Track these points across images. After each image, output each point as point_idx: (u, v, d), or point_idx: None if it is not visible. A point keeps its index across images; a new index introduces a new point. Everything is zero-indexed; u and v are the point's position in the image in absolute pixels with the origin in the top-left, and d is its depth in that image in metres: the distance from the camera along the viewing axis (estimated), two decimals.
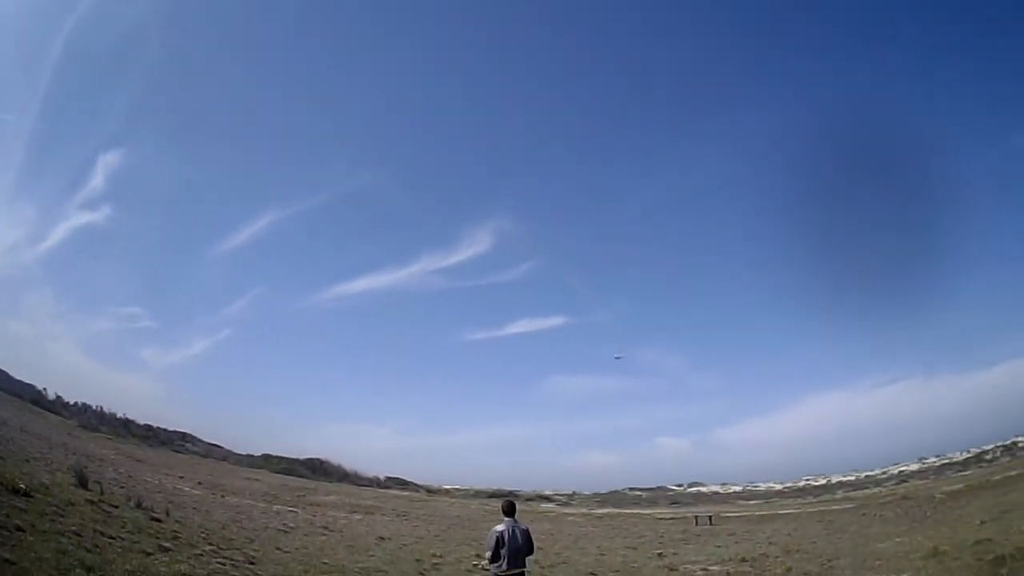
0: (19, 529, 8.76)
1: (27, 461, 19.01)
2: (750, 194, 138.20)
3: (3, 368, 70.38)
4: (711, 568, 17.54)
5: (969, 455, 73.55)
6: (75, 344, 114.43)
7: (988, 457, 70.10)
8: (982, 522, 18.08)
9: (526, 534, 10.50)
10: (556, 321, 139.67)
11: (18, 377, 71.50)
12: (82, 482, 16.62)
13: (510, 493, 70.28)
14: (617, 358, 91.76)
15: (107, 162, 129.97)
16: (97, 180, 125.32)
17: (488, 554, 10.41)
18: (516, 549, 10.18)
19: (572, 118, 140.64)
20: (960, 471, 63.98)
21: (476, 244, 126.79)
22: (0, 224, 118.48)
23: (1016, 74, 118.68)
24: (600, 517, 53.44)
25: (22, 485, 11.69)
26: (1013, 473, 38.59)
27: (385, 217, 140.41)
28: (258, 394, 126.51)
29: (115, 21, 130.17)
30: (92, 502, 13.76)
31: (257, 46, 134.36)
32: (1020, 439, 71.43)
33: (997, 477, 38.98)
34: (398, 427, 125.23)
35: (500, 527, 10.32)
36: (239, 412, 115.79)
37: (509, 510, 10.74)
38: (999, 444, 72.34)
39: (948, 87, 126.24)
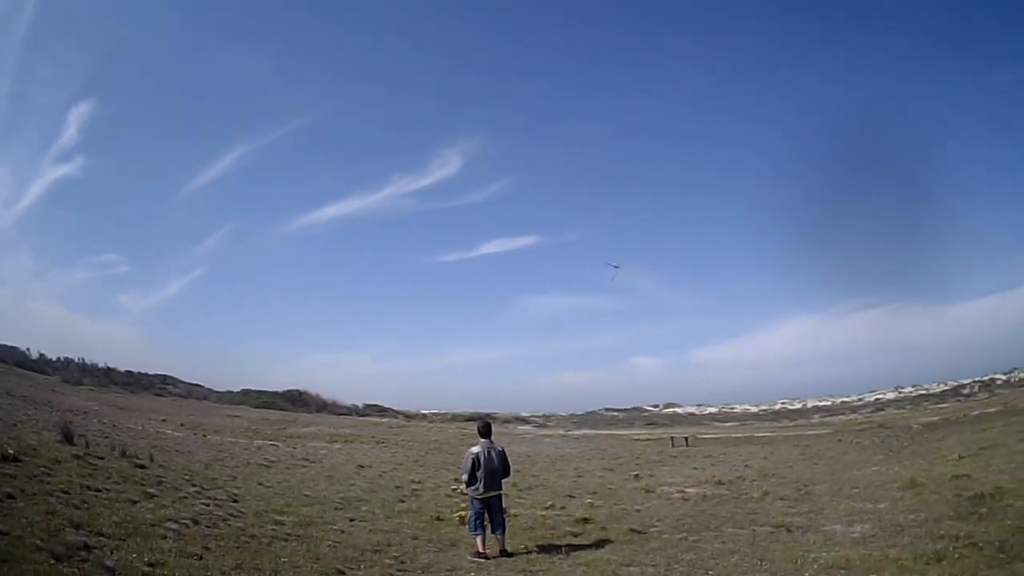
0: (10, 497, 8.73)
1: (14, 425, 19.00)
2: (732, 113, 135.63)
3: None
4: (688, 490, 17.85)
5: (946, 388, 75.47)
6: (56, 299, 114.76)
7: (965, 391, 72.11)
8: (960, 457, 18.40)
9: (502, 456, 10.74)
10: (528, 240, 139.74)
11: (0, 342, 72.94)
12: (67, 438, 16.73)
13: (487, 415, 71.13)
14: (614, 267, 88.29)
15: (79, 113, 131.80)
16: (70, 132, 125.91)
17: (464, 476, 10.66)
18: (492, 471, 10.41)
19: (544, 35, 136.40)
20: (937, 403, 65.71)
21: (447, 165, 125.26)
22: None
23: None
24: (577, 438, 54.82)
25: (10, 451, 11.73)
26: (991, 410, 39.43)
27: (352, 144, 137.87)
28: (235, 330, 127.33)
29: None
30: (78, 456, 13.91)
31: None
32: (998, 376, 73.32)
33: (975, 412, 40.03)
34: (375, 353, 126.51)
35: (476, 449, 10.56)
36: (218, 350, 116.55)
37: (485, 431, 10.97)
38: (977, 379, 74.13)
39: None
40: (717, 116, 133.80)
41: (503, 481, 10.80)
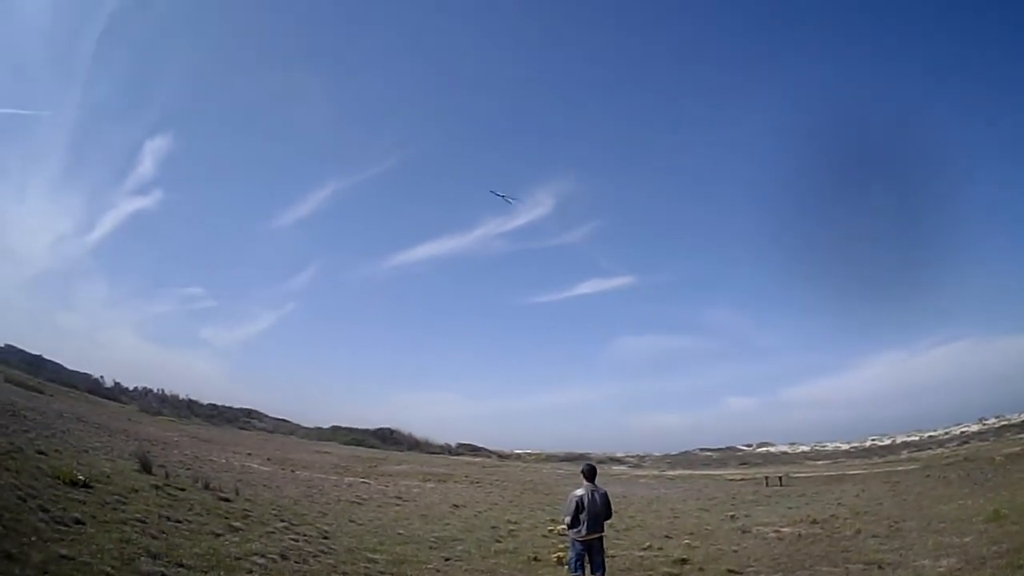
0: (78, 522, 8.76)
1: (85, 452, 18.92)
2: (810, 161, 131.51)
3: (56, 360, 71.89)
4: (783, 530, 17.52)
5: None
6: (133, 329, 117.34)
7: None
8: None
9: (605, 498, 10.60)
10: (623, 281, 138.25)
11: (72, 368, 72.59)
12: (145, 467, 16.71)
13: (581, 456, 70.51)
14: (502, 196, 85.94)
15: (155, 147, 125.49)
16: (146, 165, 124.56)
17: (567, 519, 10.56)
18: (595, 514, 10.29)
19: (631, 77, 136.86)
20: (1018, 433, 61.88)
21: (538, 206, 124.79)
22: (46, 217, 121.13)
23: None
24: (672, 479, 53.48)
25: (80, 476, 11.75)
26: None
27: (445, 184, 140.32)
28: (324, 367, 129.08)
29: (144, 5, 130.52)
30: (157, 487, 13.91)
31: (304, 19, 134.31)
32: None
33: None
34: (466, 393, 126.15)
35: (579, 491, 10.45)
36: (306, 386, 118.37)
37: (590, 475, 10.80)
38: None
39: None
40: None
41: (605, 522, 10.79)
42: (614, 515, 11.45)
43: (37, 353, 70.08)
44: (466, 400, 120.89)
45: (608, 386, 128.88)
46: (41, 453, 14.46)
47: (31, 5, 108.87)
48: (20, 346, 69.52)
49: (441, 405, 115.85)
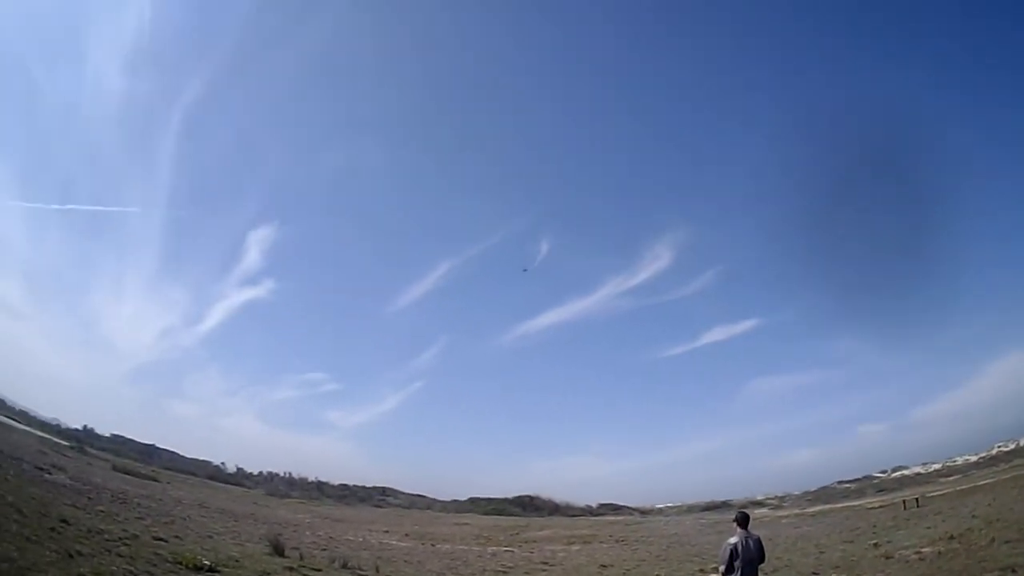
0: None
1: (209, 537, 19.06)
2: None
3: (171, 449, 74.69)
4: (923, 550, 17.55)
5: None
6: (255, 416, 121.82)
7: None
8: None
9: (758, 544, 10.56)
10: (747, 325, 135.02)
11: (189, 455, 74.99)
12: (277, 550, 16.71)
13: (723, 504, 69.04)
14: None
15: (259, 238, 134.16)
16: (252, 257, 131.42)
17: (722, 568, 10.47)
18: (750, 560, 10.28)
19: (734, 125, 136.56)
20: None
21: (657, 259, 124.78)
22: (147, 311, 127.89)
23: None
24: (813, 515, 51.72)
25: (206, 561, 11.95)
26: None
27: (564, 248, 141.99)
28: (457, 440, 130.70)
29: (229, 99, 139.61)
30: (291, 569, 14.18)
31: (403, 98, 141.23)
32: None
33: None
34: (603, 453, 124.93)
35: (733, 539, 10.40)
36: (439, 460, 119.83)
37: (743, 521, 10.73)
38: None
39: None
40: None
41: (759, 567, 10.67)
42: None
43: (149, 442, 73.53)
44: (604, 460, 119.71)
45: (742, 431, 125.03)
46: (159, 539, 14.66)
47: (110, 105, 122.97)
48: (129, 436, 72.87)
49: (579, 467, 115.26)
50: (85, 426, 69.78)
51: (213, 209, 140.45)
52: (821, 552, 23.16)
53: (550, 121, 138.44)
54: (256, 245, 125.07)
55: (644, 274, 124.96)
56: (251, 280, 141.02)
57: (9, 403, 61.96)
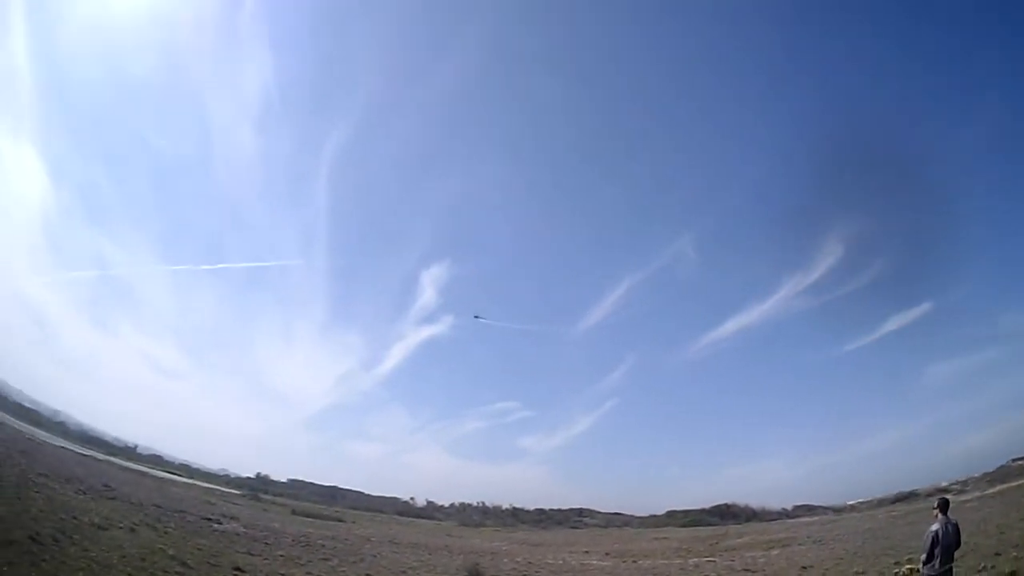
0: None
1: (403, 572, 19.51)
2: None
3: (355, 489, 76.71)
4: None
5: None
6: (443, 449, 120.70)
7: None
8: None
9: (956, 529, 10.99)
10: (923, 309, 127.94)
11: (375, 494, 76.86)
12: None
13: (911, 495, 67.55)
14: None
15: (433, 276, 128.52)
16: (428, 295, 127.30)
17: (923, 556, 11.10)
18: (948, 546, 10.78)
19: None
20: None
21: (829, 255, 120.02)
22: (322, 359, 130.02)
23: None
24: (993, 496, 50.87)
25: None
26: None
27: (740, 254, 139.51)
28: (652, 455, 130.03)
29: (376, 141, 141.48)
30: None
31: (565, 127, 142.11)
32: None
33: None
34: (793, 455, 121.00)
35: (935, 526, 10.91)
36: (634, 477, 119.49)
37: (944, 507, 11.27)
38: None
39: None
40: None
41: (955, 553, 11.16)
42: None
43: (331, 484, 75.95)
44: (795, 461, 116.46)
45: (924, 419, 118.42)
46: None
47: (247, 163, 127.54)
48: (309, 480, 75.71)
49: (771, 471, 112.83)
50: (258, 474, 73.96)
51: (379, 253, 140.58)
52: (1002, 533, 23.81)
53: (705, 130, 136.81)
54: (431, 283, 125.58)
55: (818, 271, 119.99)
56: (429, 318, 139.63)
57: (168, 458, 66.79)
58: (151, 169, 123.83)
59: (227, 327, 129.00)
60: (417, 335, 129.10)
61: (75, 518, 14.61)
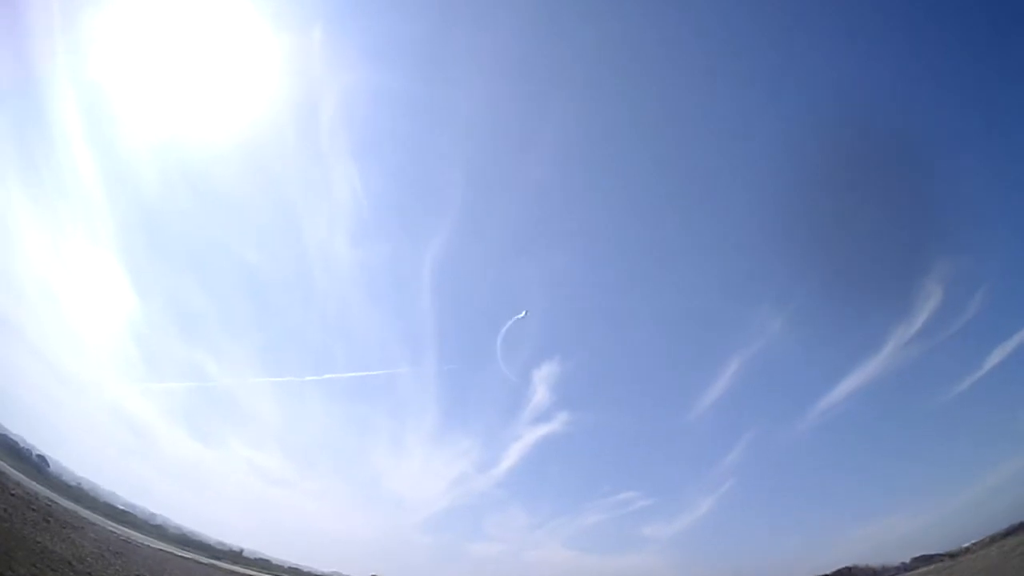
0: None
1: None
2: None
3: None
4: None
5: None
6: (562, 544, 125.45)
7: None
8: None
9: None
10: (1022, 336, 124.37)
11: None
12: None
13: (1020, 526, 67.90)
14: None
15: (544, 375, 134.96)
16: (540, 394, 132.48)
17: None
18: None
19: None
20: None
21: (930, 296, 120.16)
22: (436, 463, 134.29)
23: None
24: None
25: None
26: None
27: (842, 316, 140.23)
28: (772, 528, 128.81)
29: (471, 246, 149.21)
30: None
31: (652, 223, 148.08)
32: None
33: None
34: (912, 507, 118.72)
35: None
36: (757, 551, 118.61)
37: None
38: None
39: None
40: None
41: None
42: None
43: None
44: (914, 513, 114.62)
45: None
46: None
47: (345, 274, 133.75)
48: None
49: (892, 527, 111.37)
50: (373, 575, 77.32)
51: (487, 357, 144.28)
52: None
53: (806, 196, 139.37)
54: (542, 382, 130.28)
55: (922, 317, 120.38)
56: (544, 416, 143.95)
57: (276, 561, 71.17)
58: (246, 283, 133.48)
59: (337, 435, 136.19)
60: (533, 434, 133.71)
61: None
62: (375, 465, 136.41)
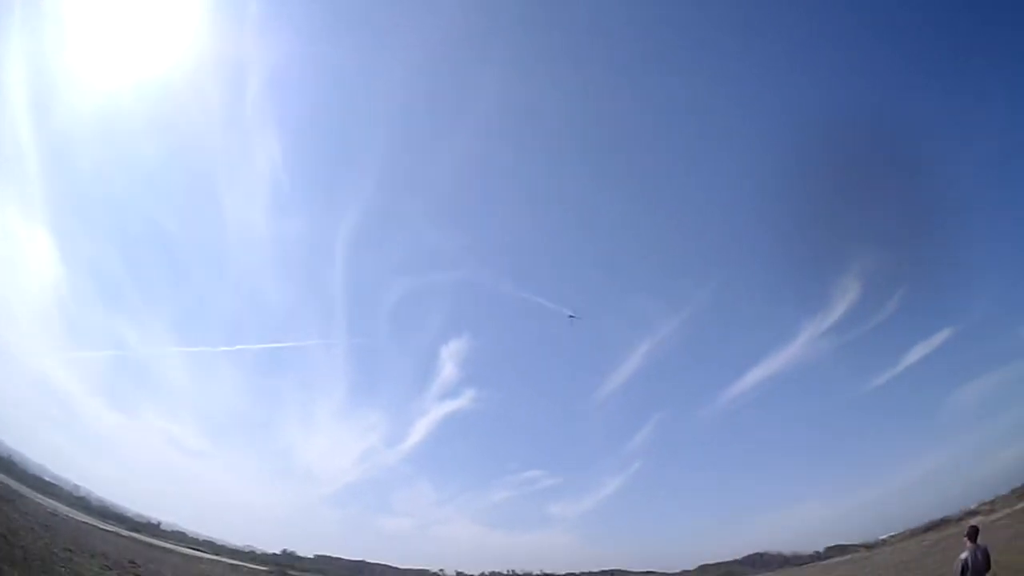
0: None
1: None
2: None
3: (384, 563, 75.73)
4: None
5: None
6: (469, 520, 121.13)
7: None
8: None
9: (985, 554, 11.76)
10: (943, 336, 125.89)
11: (404, 567, 76.10)
12: None
13: (941, 522, 66.65)
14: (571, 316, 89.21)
15: (452, 351, 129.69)
16: (448, 370, 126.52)
17: None
18: (978, 571, 11.55)
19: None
20: None
21: (847, 292, 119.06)
22: (345, 437, 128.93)
23: None
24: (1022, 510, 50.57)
25: None
26: None
27: (753, 307, 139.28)
28: (680, 511, 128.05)
29: (388, 220, 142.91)
30: None
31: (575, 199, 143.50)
32: None
33: None
34: (824, 497, 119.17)
35: (964, 554, 11.71)
36: (664, 534, 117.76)
37: (973, 535, 12.06)
38: None
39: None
40: None
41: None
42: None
43: (358, 559, 75.45)
44: (825, 503, 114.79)
45: (953, 442, 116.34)
46: None
47: (262, 247, 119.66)
48: (336, 555, 74.63)
49: (803, 515, 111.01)
50: (284, 550, 72.83)
51: (397, 332, 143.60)
52: None
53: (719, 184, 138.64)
54: (451, 358, 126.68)
55: (837, 311, 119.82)
56: (451, 392, 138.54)
57: (191, 534, 66.04)
58: (165, 252, 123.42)
59: (249, 407, 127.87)
60: (441, 409, 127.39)
61: None
62: (286, 438, 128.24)
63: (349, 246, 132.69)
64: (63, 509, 47.10)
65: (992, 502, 72.37)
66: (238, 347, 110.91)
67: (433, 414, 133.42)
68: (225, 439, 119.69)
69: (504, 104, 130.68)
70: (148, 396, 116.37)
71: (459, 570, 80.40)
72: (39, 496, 48.33)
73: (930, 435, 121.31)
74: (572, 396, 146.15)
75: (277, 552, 72.19)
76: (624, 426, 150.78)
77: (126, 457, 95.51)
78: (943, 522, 66.21)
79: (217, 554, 59.51)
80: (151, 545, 44.69)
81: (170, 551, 45.47)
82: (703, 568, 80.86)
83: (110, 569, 21.28)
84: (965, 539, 11.93)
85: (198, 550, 58.31)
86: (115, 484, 79.27)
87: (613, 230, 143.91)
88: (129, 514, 63.99)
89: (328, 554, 76.15)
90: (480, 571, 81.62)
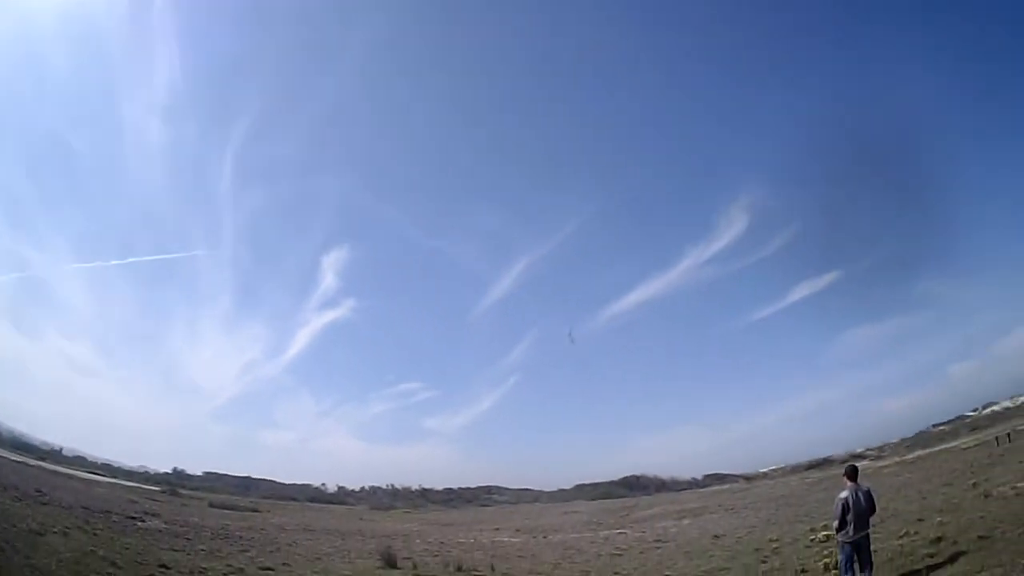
0: None
1: (318, 559, 19.34)
2: None
3: (268, 478, 77.44)
4: (1019, 485, 18.22)
5: None
6: (351, 433, 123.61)
7: None
8: None
9: (868, 495, 10.97)
10: (831, 277, 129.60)
11: (288, 482, 77.84)
12: (389, 562, 16.98)
13: (825, 461, 68.74)
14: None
15: (332, 261, 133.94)
16: (328, 280, 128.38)
17: (835, 523, 11.00)
18: (860, 512, 10.72)
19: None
20: None
21: (733, 225, 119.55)
22: (229, 350, 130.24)
23: None
24: (912, 461, 51.78)
25: None
26: None
27: (639, 227, 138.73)
28: (558, 429, 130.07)
29: (277, 132, 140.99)
30: None
31: (460, 109, 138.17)
32: None
33: None
34: (703, 424, 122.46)
35: (844, 493, 10.88)
36: (542, 451, 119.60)
37: (852, 474, 11.26)
38: None
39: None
40: None
41: (870, 520, 11.15)
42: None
43: (244, 475, 76.67)
44: (705, 430, 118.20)
45: (837, 385, 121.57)
46: (267, 569, 15.03)
47: (156, 157, 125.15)
48: (223, 472, 75.65)
49: (681, 441, 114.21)
50: (175, 469, 73.58)
51: (280, 242, 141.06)
52: (923, 498, 23.35)
53: (605, 103, 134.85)
54: (330, 268, 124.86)
55: (722, 241, 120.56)
56: (331, 302, 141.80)
57: (91, 459, 65.49)
58: (66, 166, 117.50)
59: (139, 322, 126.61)
60: (320, 320, 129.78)
61: (14, 525, 14.77)
62: (174, 354, 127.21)
63: (236, 156, 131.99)
64: None
65: (880, 448, 75.20)
66: (129, 260, 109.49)
67: (314, 324, 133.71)
68: (117, 358, 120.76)
69: (387, 39, 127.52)
70: (49, 317, 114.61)
71: (340, 484, 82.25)
72: None
73: (815, 374, 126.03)
74: (451, 310, 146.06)
75: (168, 471, 71.80)
76: (502, 340, 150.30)
77: (32, 382, 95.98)
78: (826, 461, 68.16)
79: (114, 476, 57.83)
80: (55, 473, 42.43)
81: (71, 476, 43.02)
82: (580, 488, 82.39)
83: (20, 500, 20.25)
84: (844, 478, 11.24)
85: (97, 474, 56.74)
86: (24, 412, 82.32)
87: (493, 145, 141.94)
88: (35, 443, 62.89)
89: (216, 471, 76.37)
90: (360, 486, 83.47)
